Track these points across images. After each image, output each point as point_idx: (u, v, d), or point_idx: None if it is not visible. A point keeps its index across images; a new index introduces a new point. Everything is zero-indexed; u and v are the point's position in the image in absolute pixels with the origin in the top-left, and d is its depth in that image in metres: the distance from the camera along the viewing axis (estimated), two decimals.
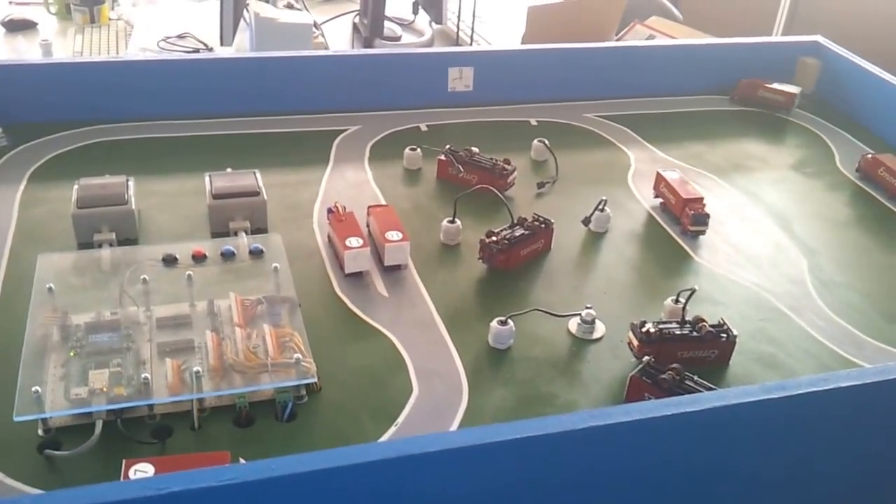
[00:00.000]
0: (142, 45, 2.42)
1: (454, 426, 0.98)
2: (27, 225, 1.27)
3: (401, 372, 1.05)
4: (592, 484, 0.87)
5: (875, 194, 1.55)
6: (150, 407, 0.94)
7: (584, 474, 0.86)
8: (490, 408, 1.01)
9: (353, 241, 1.19)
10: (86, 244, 1.21)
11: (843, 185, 1.59)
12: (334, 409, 0.99)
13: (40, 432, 0.91)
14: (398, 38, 2.65)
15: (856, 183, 1.58)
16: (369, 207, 1.29)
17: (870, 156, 1.59)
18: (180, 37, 2.45)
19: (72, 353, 0.97)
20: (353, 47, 2.63)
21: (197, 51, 2.39)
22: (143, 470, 0.80)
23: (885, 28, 2.82)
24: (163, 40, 2.42)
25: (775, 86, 1.84)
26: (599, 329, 1.14)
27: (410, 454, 0.76)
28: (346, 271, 1.20)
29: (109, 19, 2.64)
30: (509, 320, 1.10)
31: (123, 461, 0.82)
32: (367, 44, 2.55)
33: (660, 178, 1.44)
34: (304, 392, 0.99)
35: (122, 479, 0.80)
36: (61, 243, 1.22)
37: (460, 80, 1.72)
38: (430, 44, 2.67)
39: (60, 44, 2.46)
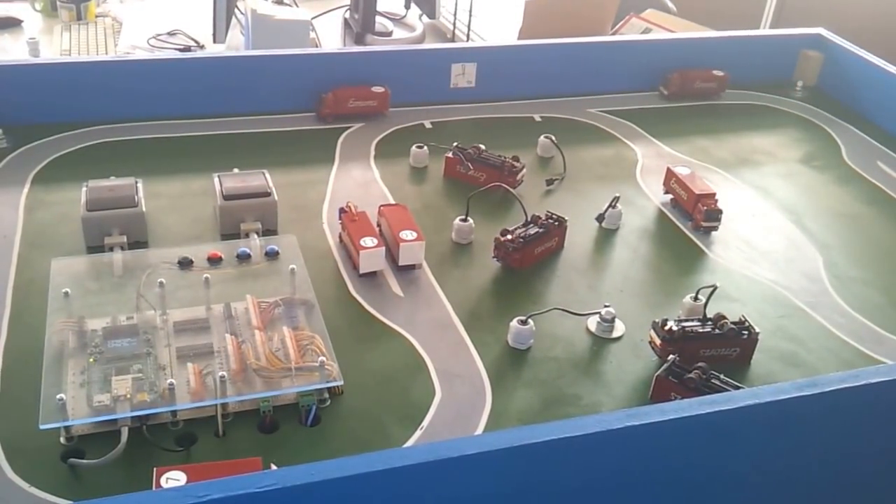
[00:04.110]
0: (131, 43, 2.39)
1: (479, 429, 0.96)
2: (33, 229, 1.24)
3: (422, 374, 1.04)
4: (628, 484, 0.86)
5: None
6: (174, 413, 0.92)
7: (620, 475, 0.85)
8: (514, 410, 1.00)
9: (368, 241, 1.18)
10: (95, 248, 1.19)
11: (852, 178, 1.58)
12: (357, 413, 0.97)
13: (62, 440, 0.89)
14: (389, 34, 2.63)
15: (865, 177, 1.58)
16: (381, 207, 1.27)
17: (676, 72, 1.81)
18: (170, 34, 2.42)
19: (91, 360, 0.95)
20: (343, 43, 2.60)
21: (189, 48, 2.35)
22: (175, 478, 0.78)
23: (880, 18, 2.82)
24: (153, 38, 2.39)
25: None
26: (619, 328, 1.13)
27: (450, 457, 0.75)
28: (361, 271, 1.18)
29: (96, 16, 2.60)
30: (530, 320, 1.09)
31: (154, 469, 0.80)
32: (359, 39, 2.53)
33: (670, 174, 1.43)
34: (326, 395, 0.98)
35: (153, 487, 0.78)
36: (70, 247, 1.19)
37: (463, 76, 1.70)
38: (421, 39, 2.65)
39: (47, 42, 2.41)
